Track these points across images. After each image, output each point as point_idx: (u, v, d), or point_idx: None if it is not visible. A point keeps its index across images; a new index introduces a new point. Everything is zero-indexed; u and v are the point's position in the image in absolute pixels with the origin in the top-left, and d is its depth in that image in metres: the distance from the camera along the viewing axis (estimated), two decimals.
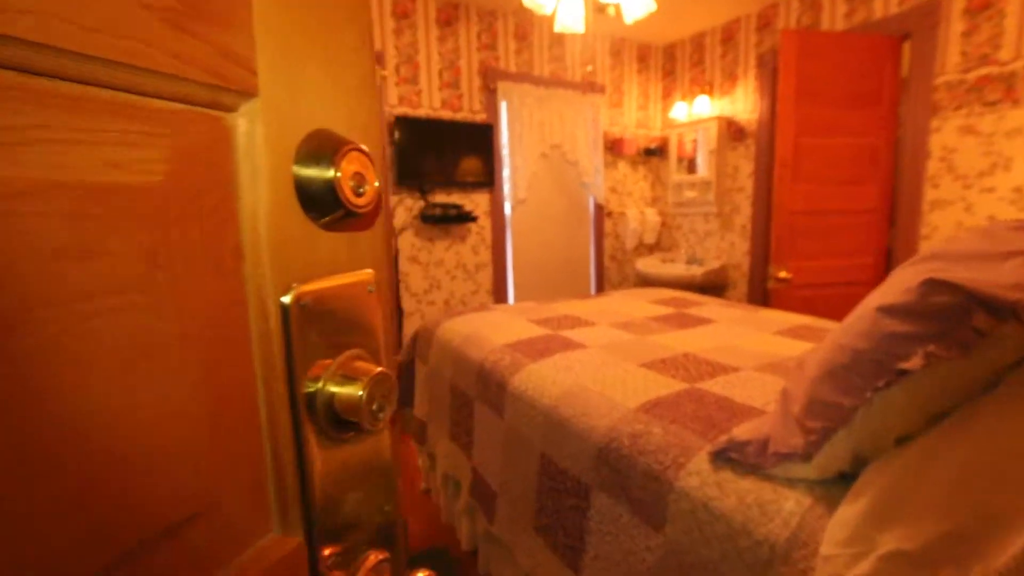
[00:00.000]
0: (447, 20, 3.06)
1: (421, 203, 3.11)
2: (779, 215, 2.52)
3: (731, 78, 3.38)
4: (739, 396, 1.18)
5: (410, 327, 3.16)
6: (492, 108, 3.26)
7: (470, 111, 3.21)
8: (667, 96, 3.90)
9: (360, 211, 0.33)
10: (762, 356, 1.49)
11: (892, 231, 2.73)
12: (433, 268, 3.20)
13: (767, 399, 1.15)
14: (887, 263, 2.73)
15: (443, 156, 3.07)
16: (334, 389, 0.33)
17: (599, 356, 1.51)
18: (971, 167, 2.35)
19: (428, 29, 3.01)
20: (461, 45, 3.12)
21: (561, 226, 3.69)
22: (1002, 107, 2.24)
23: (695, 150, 3.66)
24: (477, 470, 1.60)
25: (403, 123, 2.91)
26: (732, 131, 3.42)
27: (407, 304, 3.14)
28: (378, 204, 0.35)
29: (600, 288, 3.91)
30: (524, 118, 3.33)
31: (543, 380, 1.37)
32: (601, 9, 2.32)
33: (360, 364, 0.35)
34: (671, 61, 3.83)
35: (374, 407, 0.33)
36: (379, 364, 0.36)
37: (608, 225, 3.90)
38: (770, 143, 3.20)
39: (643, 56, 3.85)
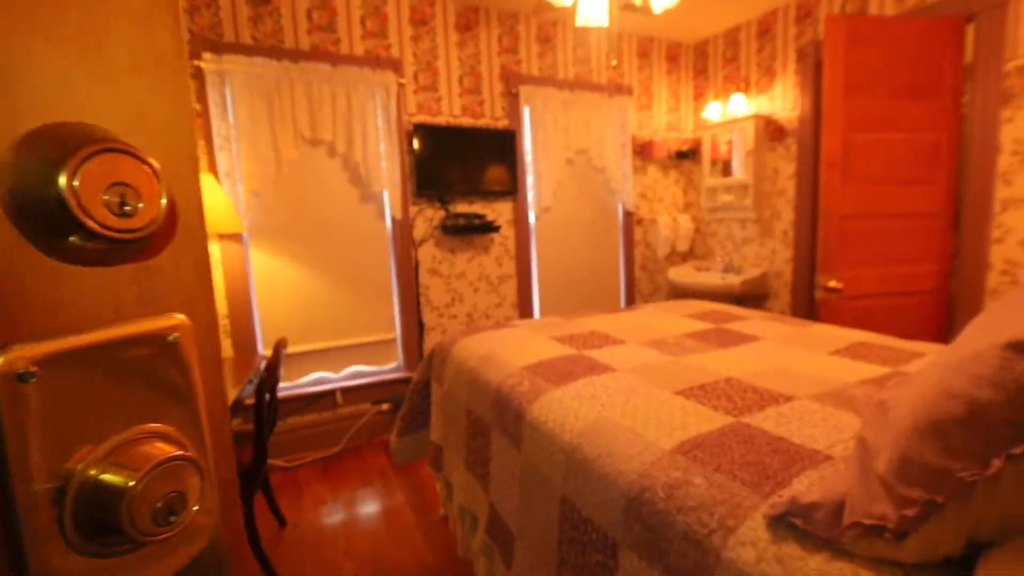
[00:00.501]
0: (466, 24, 2.96)
1: (442, 213, 3.01)
2: (827, 219, 2.30)
3: (769, 74, 3.17)
4: (797, 435, 0.99)
5: (431, 342, 3.05)
6: (514, 114, 3.14)
7: (492, 117, 3.10)
8: (699, 96, 3.70)
9: (126, 235, 0.19)
10: (819, 382, 1.30)
11: (957, 235, 2.46)
12: (455, 280, 3.09)
13: (832, 440, 0.97)
14: (951, 270, 2.46)
15: (464, 164, 2.97)
16: (105, 479, 0.20)
17: (628, 381, 1.35)
18: None
19: (447, 34, 2.92)
20: (481, 49, 3.02)
21: (588, 235, 3.52)
22: None
23: (730, 152, 3.44)
24: (495, 506, 1.45)
25: (422, 131, 2.82)
26: (771, 130, 3.19)
27: (428, 318, 3.03)
28: (167, 225, 0.21)
29: (630, 299, 3.72)
30: (548, 123, 3.20)
31: (565, 410, 1.21)
32: (627, 5, 2.17)
33: (145, 448, 0.22)
34: (703, 59, 3.64)
35: (158, 506, 0.20)
36: (195, 440, 0.23)
37: (638, 233, 3.72)
38: (814, 142, 2.97)
39: (673, 55, 3.67)
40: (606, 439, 1.06)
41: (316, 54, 2.59)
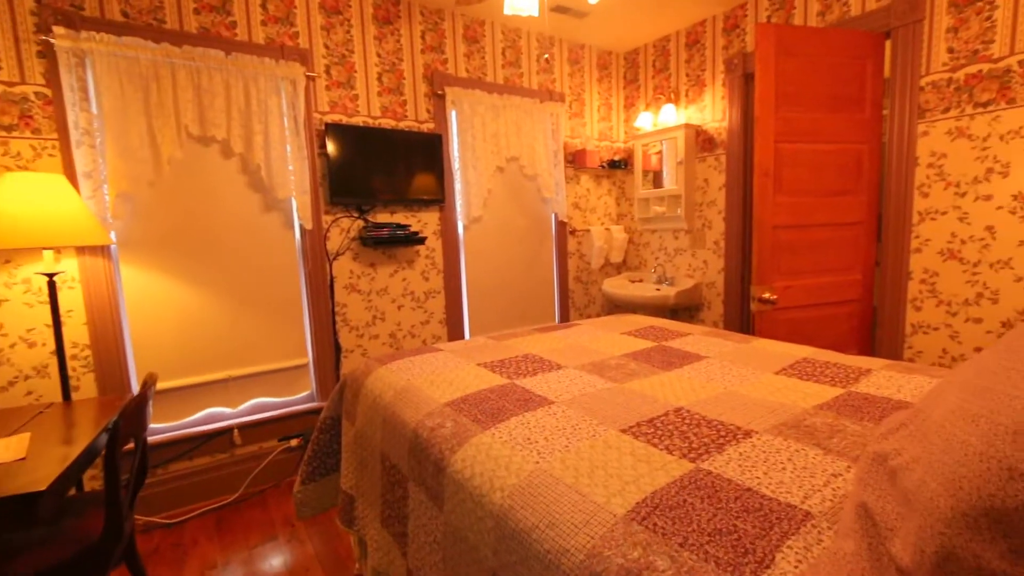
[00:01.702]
0: (386, 17, 2.71)
1: (360, 223, 2.71)
2: (760, 229, 2.26)
3: (698, 84, 3.16)
4: (766, 484, 0.83)
5: (350, 366, 2.73)
6: (441, 117, 2.92)
7: (415, 120, 2.86)
8: (630, 105, 3.67)
9: None
10: (774, 409, 1.16)
11: (879, 245, 2.51)
12: (376, 297, 2.79)
13: (805, 488, 0.81)
14: (874, 280, 2.50)
15: (385, 170, 2.70)
16: None
17: (568, 418, 1.15)
18: (964, 173, 2.16)
19: (364, 26, 2.65)
20: (403, 45, 2.78)
21: (521, 246, 3.35)
22: (996, 107, 2.05)
23: (660, 162, 3.41)
24: (414, 575, 1.19)
25: (336, 132, 2.53)
26: (701, 141, 3.19)
27: (346, 340, 2.71)
28: None
29: (565, 313, 3.58)
30: (476, 128, 3.00)
31: (494, 461, 0.99)
32: (559, 7, 2.03)
33: None
34: (633, 68, 3.60)
35: None
36: None
37: (572, 244, 3.59)
38: (742, 153, 2.98)
39: (604, 63, 3.61)
40: (545, 501, 0.85)
41: (206, 38, 2.23)
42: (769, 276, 2.27)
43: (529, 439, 1.05)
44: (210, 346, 2.37)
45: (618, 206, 3.82)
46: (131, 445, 2.11)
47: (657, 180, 3.47)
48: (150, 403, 1.55)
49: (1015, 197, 2.04)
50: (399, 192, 2.76)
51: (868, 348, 2.54)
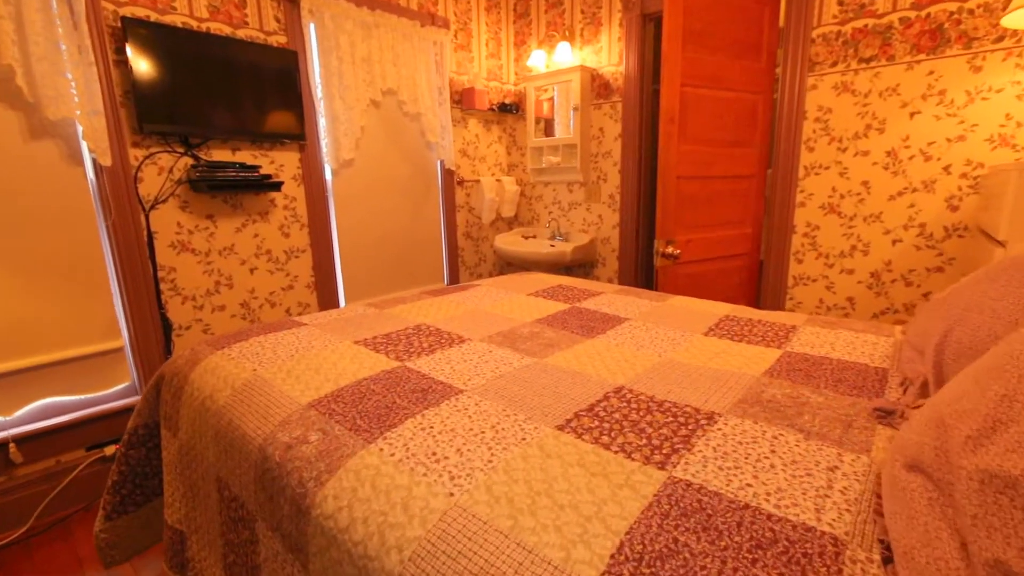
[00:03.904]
0: None
1: (188, 161, 2.08)
2: (665, 180, 2.12)
3: (594, 23, 2.92)
4: (765, 495, 0.62)
5: (187, 346, 2.15)
6: (295, 30, 2.32)
7: (260, 29, 2.23)
8: (521, 43, 3.33)
9: None
10: (723, 379, 0.99)
11: (766, 199, 2.54)
12: (218, 258, 2.20)
13: (811, 494, 0.61)
14: (762, 233, 2.55)
15: (222, 92, 2.07)
16: None
17: (486, 414, 0.85)
18: (846, 129, 2.21)
19: None
20: None
21: (403, 196, 2.92)
22: (878, 63, 2.09)
23: (552, 110, 3.17)
24: None
25: (143, 33, 1.85)
26: (596, 86, 2.98)
27: (178, 314, 2.11)
28: None
29: (454, 273, 3.26)
30: (343, 49, 2.45)
31: (386, 498, 0.67)
32: None
33: None
34: (524, 0, 3.25)
35: None
36: None
37: (460, 196, 3.24)
38: (638, 101, 2.83)
39: None
40: (473, 568, 0.55)
41: None
42: (672, 229, 2.17)
43: (435, 453, 0.74)
44: None
45: (509, 155, 3.53)
46: None
47: (549, 128, 3.22)
48: None
49: (888, 153, 2.13)
50: (243, 123, 2.16)
51: (754, 300, 2.61)
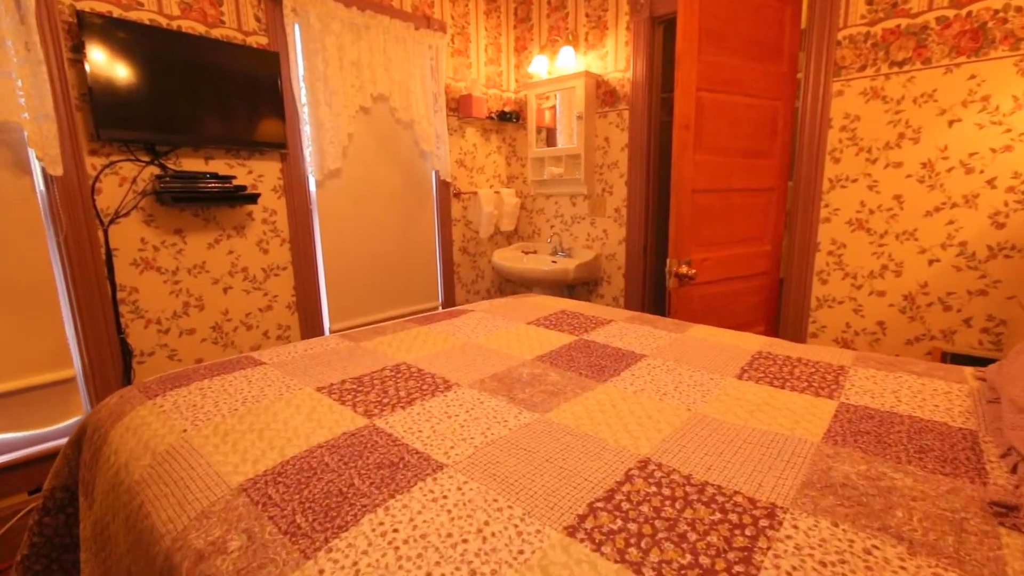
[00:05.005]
0: None
1: (154, 171, 1.88)
2: (679, 193, 1.92)
3: (599, 27, 2.75)
4: None
5: (149, 374, 1.94)
6: (277, 30, 2.14)
7: (238, 29, 2.05)
8: (522, 49, 3.16)
9: None
10: (778, 447, 0.78)
11: (787, 213, 2.35)
12: (188, 277, 2.00)
13: None
14: (782, 251, 2.35)
15: (194, 96, 1.89)
16: None
17: (472, 507, 0.64)
18: (877, 138, 2.02)
19: None
20: None
21: (395, 209, 2.73)
22: (911, 67, 1.91)
23: (555, 118, 2.99)
24: None
25: (102, 29, 1.66)
26: (601, 93, 2.81)
27: (141, 339, 1.91)
28: None
29: (450, 290, 3.06)
30: (331, 51, 2.28)
31: None
32: None
33: None
34: (526, 5, 3.09)
35: None
36: None
37: (457, 209, 3.05)
38: (647, 109, 2.65)
39: None
40: None
41: None
42: (687, 247, 1.96)
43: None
44: None
45: (508, 166, 3.34)
46: None
47: (551, 138, 3.04)
48: None
49: (924, 165, 1.94)
50: (217, 130, 1.97)
51: (774, 324, 2.40)
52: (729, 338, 1.38)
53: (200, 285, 2.05)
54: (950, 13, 1.81)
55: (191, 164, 1.97)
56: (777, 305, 2.40)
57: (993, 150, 1.80)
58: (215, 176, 1.93)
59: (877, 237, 2.07)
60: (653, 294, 2.93)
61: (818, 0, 2.05)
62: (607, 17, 2.71)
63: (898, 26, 1.92)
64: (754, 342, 1.34)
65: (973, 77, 1.80)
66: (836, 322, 2.21)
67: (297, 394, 0.97)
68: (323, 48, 2.26)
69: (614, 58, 2.73)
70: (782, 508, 0.64)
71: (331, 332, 2.49)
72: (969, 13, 1.78)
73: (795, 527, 0.60)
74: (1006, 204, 1.80)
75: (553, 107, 3.00)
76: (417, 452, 0.77)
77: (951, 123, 1.86)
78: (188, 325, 2.03)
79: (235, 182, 2.02)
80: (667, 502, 0.65)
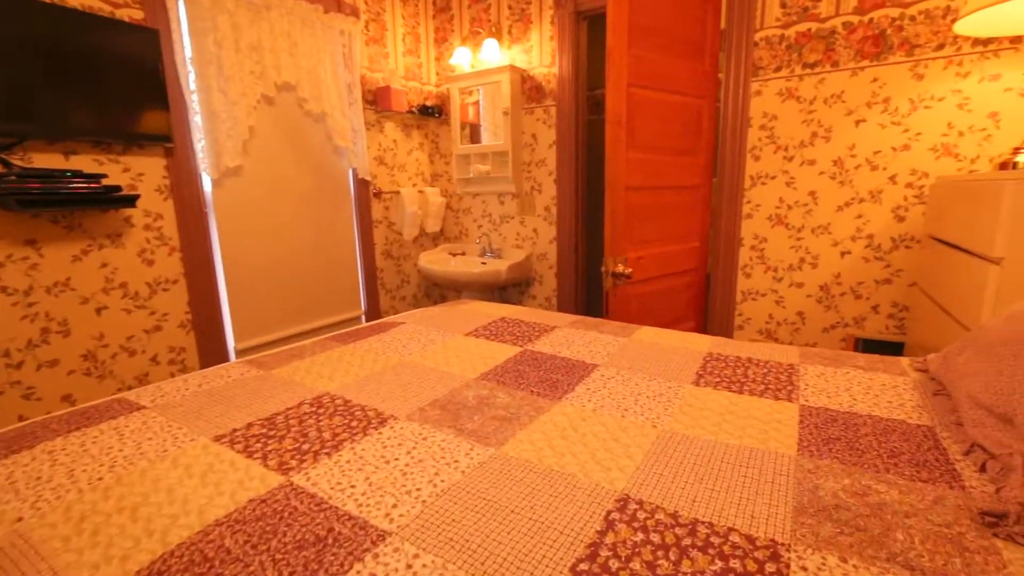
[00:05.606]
0: None
1: None
2: (614, 191, 1.88)
3: (523, 20, 2.67)
4: None
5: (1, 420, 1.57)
6: (155, 4, 1.83)
7: (108, 1, 1.72)
8: (442, 40, 3.00)
9: None
10: (757, 466, 0.72)
11: (713, 210, 2.40)
12: (46, 297, 1.65)
13: None
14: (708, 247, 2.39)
15: (45, 78, 1.55)
16: None
17: None
18: (792, 136, 2.10)
19: None
20: None
21: (308, 210, 2.46)
22: (822, 69, 2.00)
23: (478, 114, 2.87)
24: None
25: None
26: (527, 88, 2.72)
27: None
28: None
29: (373, 297, 2.84)
30: (224, 32, 1.99)
31: None
32: None
33: None
34: None
35: None
36: None
37: (378, 210, 2.84)
38: (574, 106, 2.60)
39: None
40: None
41: None
42: (622, 246, 1.93)
43: None
44: None
45: (432, 164, 3.17)
46: None
47: (475, 134, 2.92)
48: None
49: (835, 163, 2.04)
50: (81, 120, 1.64)
51: (702, 319, 2.45)
52: (676, 340, 1.33)
53: (63, 306, 1.70)
54: (855, 19, 1.91)
55: (45, 160, 1.62)
56: (705, 300, 2.45)
57: (894, 148, 1.92)
58: (80, 174, 1.60)
59: (795, 231, 2.16)
60: (586, 293, 2.90)
61: (736, 1, 2.10)
62: (531, 10, 2.63)
63: (809, 30, 2.00)
64: (702, 343, 1.31)
65: (875, 80, 1.91)
66: (760, 314, 2.29)
67: (187, 448, 0.77)
68: (215, 28, 1.97)
69: (539, 52, 2.65)
70: (783, 545, 0.56)
71: (237, 353, 2.19)
72: (871, 20, 1.89)
73: (804, 568, 0.53)
74: (905, 199, 1.94)
75: (477, 102, 2.87)
76: (350, 517, 0.61)
77: (858, 123, 1.97)
78: (49, 355, 1.68)
79: (106, 181, 1.69)
80: (659, 552, 0.55)
